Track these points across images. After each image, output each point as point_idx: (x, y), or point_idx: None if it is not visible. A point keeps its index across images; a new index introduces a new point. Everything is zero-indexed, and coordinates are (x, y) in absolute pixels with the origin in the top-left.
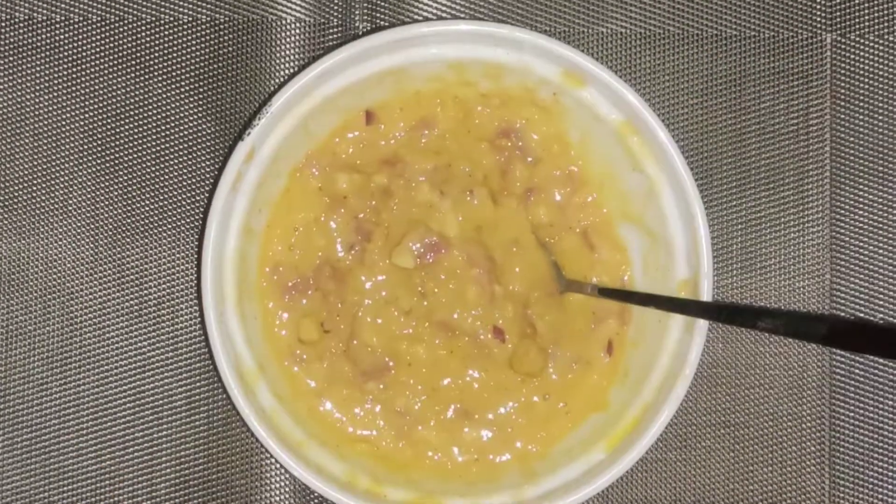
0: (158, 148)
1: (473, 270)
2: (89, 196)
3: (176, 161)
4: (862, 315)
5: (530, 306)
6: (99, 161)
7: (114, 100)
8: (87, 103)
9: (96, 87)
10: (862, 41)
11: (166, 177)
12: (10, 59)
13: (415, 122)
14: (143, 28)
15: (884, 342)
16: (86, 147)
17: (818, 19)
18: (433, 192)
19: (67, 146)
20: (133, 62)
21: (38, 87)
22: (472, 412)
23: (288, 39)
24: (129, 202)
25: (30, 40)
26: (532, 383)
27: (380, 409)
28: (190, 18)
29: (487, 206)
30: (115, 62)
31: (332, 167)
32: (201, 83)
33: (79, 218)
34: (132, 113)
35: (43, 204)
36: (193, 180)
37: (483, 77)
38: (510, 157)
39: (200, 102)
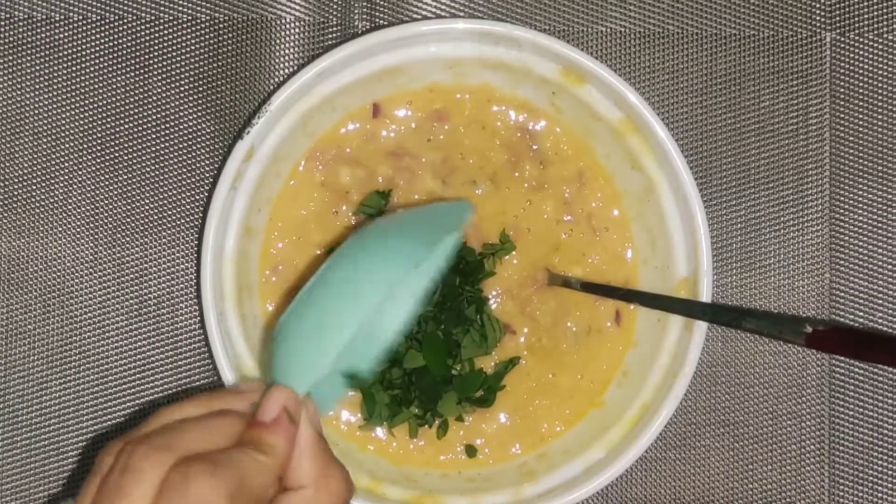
0: (158, 146)
1: None
2: (89, 195)
3: (175, 160)
4: (861, 314)
5: (530, 303)
6: (98, 160)
7: (113, 98)
8: (86, 102)
9: (96, 86)
10: (861, 40)
11: (166, 175)
12: (10, 57)
13: (426, 114)
14: (143, 27)
15: (864, 346)
16: (85, 146)
17: (817, 18)
18: (435, 181)
19: (67, 145)
20: (132, 61)
21: (37, 86)
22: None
23: (287, 38)
24: (129, 201)
25: (29, 39)
26: (548, 362)
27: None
28: (189, 17)
29: (490, 197)
30: (115, 61)
31: (336, 161)
32: (201, 82)
33: (78, 217)
34: (132, 112)
35: (42, 203)
36: (193, 179)
37: (493, 76)
38: (522, 156)
39: (200, 101)
